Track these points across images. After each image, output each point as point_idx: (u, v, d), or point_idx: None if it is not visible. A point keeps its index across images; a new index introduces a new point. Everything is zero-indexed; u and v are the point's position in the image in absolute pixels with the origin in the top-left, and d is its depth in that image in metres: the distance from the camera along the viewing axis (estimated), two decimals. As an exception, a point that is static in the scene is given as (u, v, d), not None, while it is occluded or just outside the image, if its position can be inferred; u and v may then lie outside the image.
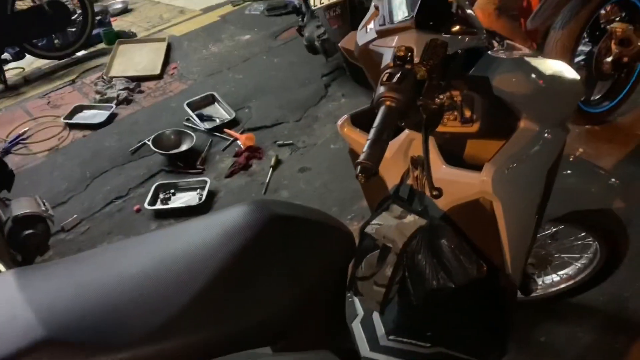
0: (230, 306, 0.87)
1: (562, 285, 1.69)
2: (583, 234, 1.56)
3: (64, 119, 3.43)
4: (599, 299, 1.75)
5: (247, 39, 4.33)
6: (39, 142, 3.29)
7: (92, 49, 4.55)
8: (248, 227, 0.92)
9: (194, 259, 0.88)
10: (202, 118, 3.22)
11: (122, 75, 3.89)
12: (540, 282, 1.68)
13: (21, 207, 2.11)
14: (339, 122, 1.26)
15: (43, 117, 3.57)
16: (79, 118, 3.47)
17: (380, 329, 1.45)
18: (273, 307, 0.92)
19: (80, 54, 4.45)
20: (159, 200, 2.61)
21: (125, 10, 5.41)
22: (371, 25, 1.11)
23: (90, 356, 0.76)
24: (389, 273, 1.19)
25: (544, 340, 1.68)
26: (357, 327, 1.46)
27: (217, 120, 3.19)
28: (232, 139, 3.01)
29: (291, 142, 2.93)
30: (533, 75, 1.06)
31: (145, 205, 2.55)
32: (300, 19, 3.44)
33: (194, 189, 2.66)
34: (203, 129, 3.12)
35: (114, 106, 3.51)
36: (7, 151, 3.22)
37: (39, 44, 4.27)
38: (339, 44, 1.29)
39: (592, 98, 2.57)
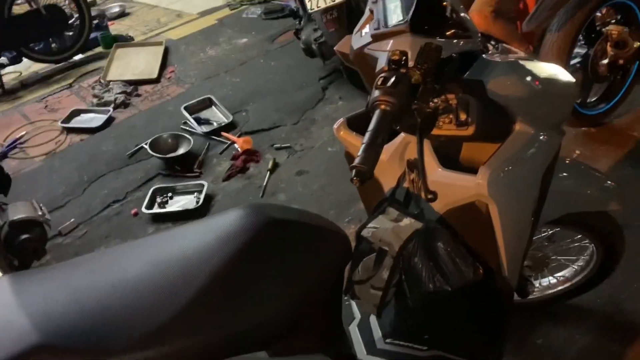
0: (226, 310, 0.87)
1: (559, 288, 1.69)
2: (579, 236, 1.56)
3: (62, 122, 3.43)
4: (595, 301, 1.75)
5: (244, 43, 4.34)
6: (36, 146, 3.29)
7: (89, 53, 4.55)
8: (244, 231, 0.92)
9: (190, 264, 0.88)
10: (199, 121, 3.22)
11: (119, 79, 3.89)
12: (536, 285, 1.69)
13: (18, 211, 2.12)
14: (335, 126, 1.26)
15: (40, 121, 3.57)
16: (77, 122, 3.47)
17: (377, 332, 1.45)
18: (269, 311, 0.92)
19: (77, 57, 4.45)
20: (156, 204, 2.61)
21: (122, 14, 5.41)
22: (366, 29, 1.12)
23: (86, 361, 0.76)
24: (386, 276, 1.19)
25: (541, 342, 1.68)
26: (354, 331, 1.45)
27: (215, 124, 3.19)
28: (229, 142, 3.01)
29: (288, 145, 2.93)
30: (527, 79, 1.06)
31: (143, 209, 2.54)
32: (297, 22, 3.45)
33: (192, 193, 2.66)
34: (200, 132, 3.12)
35: (112, 110, 3.51)
36: (4, 155, 3.22)
37: (36, 48, 4.26)
38: (335, 48, 1.30)
39: (588, 100, 2.58)
